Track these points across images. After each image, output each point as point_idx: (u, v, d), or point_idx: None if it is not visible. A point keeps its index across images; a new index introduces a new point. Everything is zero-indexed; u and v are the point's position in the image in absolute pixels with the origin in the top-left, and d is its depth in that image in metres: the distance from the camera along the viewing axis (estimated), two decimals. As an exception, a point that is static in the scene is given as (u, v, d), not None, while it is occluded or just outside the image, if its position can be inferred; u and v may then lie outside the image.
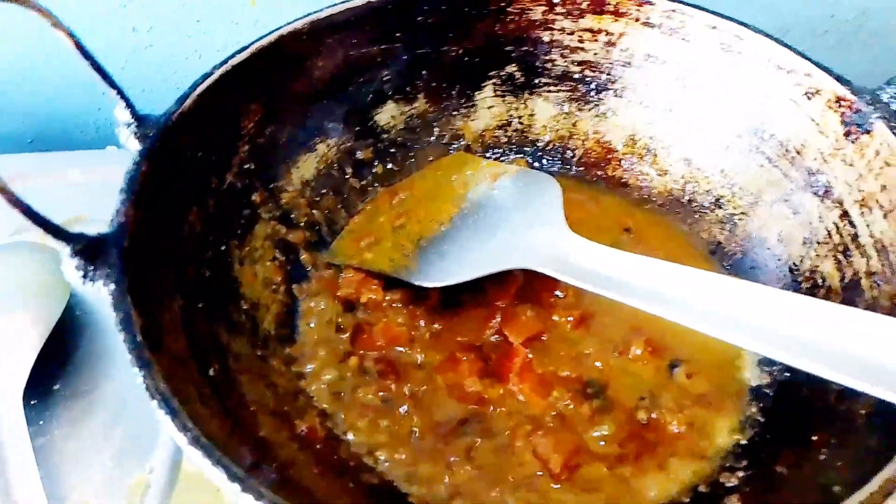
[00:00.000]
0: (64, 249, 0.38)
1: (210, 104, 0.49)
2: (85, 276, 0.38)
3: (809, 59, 0.53)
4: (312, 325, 0.53)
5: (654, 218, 0.61)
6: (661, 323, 0.48)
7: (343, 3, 0.56)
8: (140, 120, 0.45)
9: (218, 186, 0.50)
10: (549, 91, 0.63)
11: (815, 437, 0.42)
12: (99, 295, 0.39)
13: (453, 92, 0.63)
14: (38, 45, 0.73)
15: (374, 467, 0.45)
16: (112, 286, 0.38)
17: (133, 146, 0.45)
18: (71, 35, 0.42)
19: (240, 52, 0.51)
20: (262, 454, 0.39)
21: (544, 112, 0.64)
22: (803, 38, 0.81)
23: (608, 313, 0.53)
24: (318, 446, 0.45)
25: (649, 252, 0.56)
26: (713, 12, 0.56)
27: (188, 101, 0.48)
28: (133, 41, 0.73)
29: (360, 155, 0.60)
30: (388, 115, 0.61)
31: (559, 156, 0.64)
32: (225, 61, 0.51)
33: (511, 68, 0.62)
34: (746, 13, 0.76)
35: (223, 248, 0.50)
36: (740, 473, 0.44)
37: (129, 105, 0.45)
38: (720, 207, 0.58)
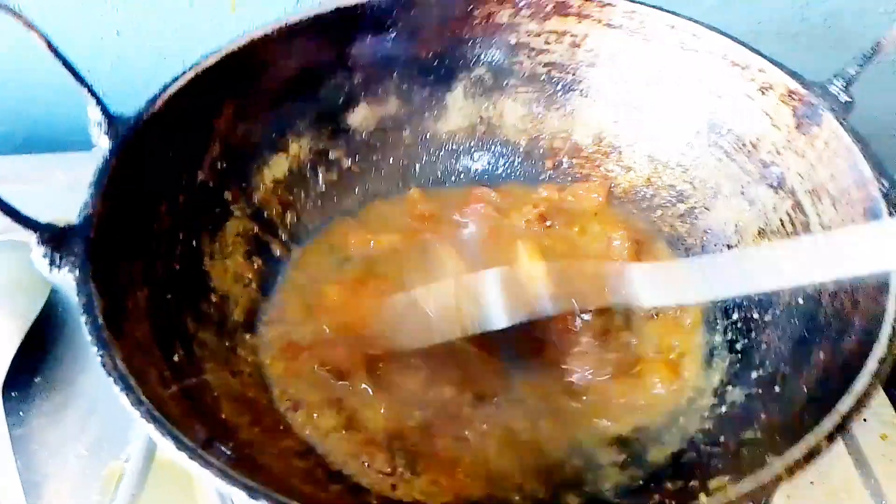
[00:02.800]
0: (32, 238, 0.40)
1: (181, 105, 0.51)
2: (52, 264, 0.40)
3: (763, 55, 0.54)
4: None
5: (617, 213, 0.62)
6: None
7: (313, 8, 0.58)
8: (111, 119, 0.47)
9: (189, 184, 0.52)
10: (518, 92, 0.65)
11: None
12: (65, 282, 0.41)
13: (424, 94, 0.64)
14: (26, 49, 0.75)
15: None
16: (77, 272, 0.40)
17: (104, 144, 0.47)
18: (42, 36, 0.45)
19: (212, 54, 0.53)
20: (221, 434, 0.41)
21: (513, 112, 0.66)
22: (775, 39, 0.82)
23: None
24: (279, 430, 0.46)
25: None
26: (672, 12, 0.58)
27: (158, 102, 0.49)
28: (117, 43, 0.75)
29: (332, 155, 0.62)
30: (360, 116, 0.63)
31: (527, 154, 0.66)
32: (196, 63, 0.52)
33: (480, 70, 0.64)
34: (719, 16, 0.78)
35: (194, 243, 0.52)
36: None
37: (100, 103, 0.47)
38: (682, 201, 0.60)
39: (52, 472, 0.52)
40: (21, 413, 0.55)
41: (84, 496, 0.51)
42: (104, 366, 0.36)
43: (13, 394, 0.55)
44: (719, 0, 0.78)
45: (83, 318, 0.38)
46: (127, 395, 0.35)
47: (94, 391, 0.57)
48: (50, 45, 0.45)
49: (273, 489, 0.34)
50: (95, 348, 0.37)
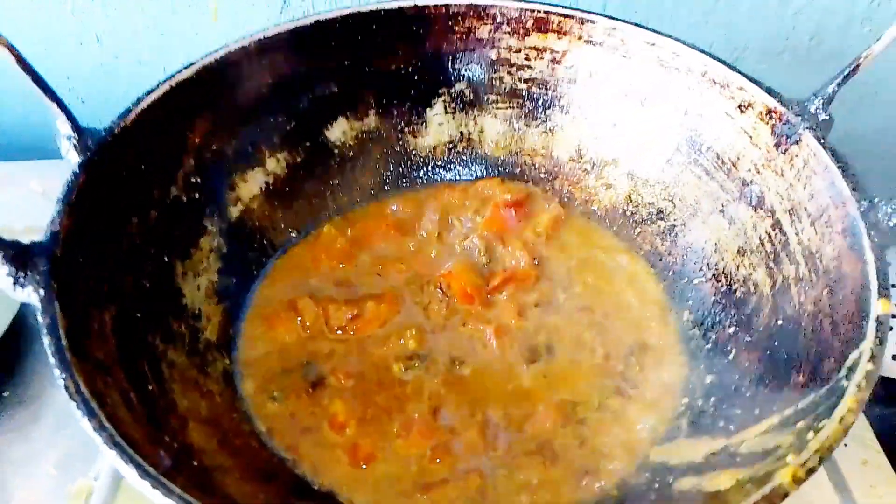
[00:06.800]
0: (-6, 256, 0.39)
1: (154, 118, 0.50)
2: (16, 283, 0.39)
3: (742, 73, 0.54)
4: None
5: (599, 230, 0.62)
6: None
7: (292, 21, 0.57)
8: (81, 132, 0.46)
9: (161, 199, 0.51)
10: (498, 108, 0.65)
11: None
12: (30, 301, 0.40)
13: (404, 108, 0.64)
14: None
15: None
16: (41, 292, 0.39)
17: (73, 158, 0.46)
18: (11, 48, 0.44)
19: (186, 67, 0.53)
20: (185, 459, 0.40)
21: (493, 128, 0.65)
22: (761, 57, 0.83)
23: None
24: (249, 451, 0.45)
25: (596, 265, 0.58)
26: (652, 30, 0.58)
27: (130, 116, 0.49)
28: (97, 51, 0.74)
29: (309, 170, 0.61)
30: (339, 130, 0.62)
31: (508, 170, 0.65)
32: (170, 77, 0.52)
33: (460, 86, 0.64)
34: (704, 34, 0.78)
35: (165, 259, 0.51)
36: None
37: (70, 118, 0.46)
38: (662, 219, 0.59)
39: (19, 489, 0.51)
40: (-12, 428, 0.54)
41: (52, 514, 0.50)
42: (66, 389, 0.35)
43: (-20, 409, 0.54)
44: (704, 18, 0.78)
45: (46, 340, 0.37)
46: (89, 419, 0.34)
47: (63, 407, 0.55)
48: (19, 59, 0.44)
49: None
50: (58, 371, 0.36)
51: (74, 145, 0.46)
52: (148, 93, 0.50)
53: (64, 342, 0.37)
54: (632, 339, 0.54)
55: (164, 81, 0.51)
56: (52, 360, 0.37)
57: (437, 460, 0.48)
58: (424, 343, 0.54)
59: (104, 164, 0.46)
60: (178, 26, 0.74)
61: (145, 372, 0.43)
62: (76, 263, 0.42)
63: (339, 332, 0.54)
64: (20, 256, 0.39)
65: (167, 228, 0.51)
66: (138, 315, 0.46)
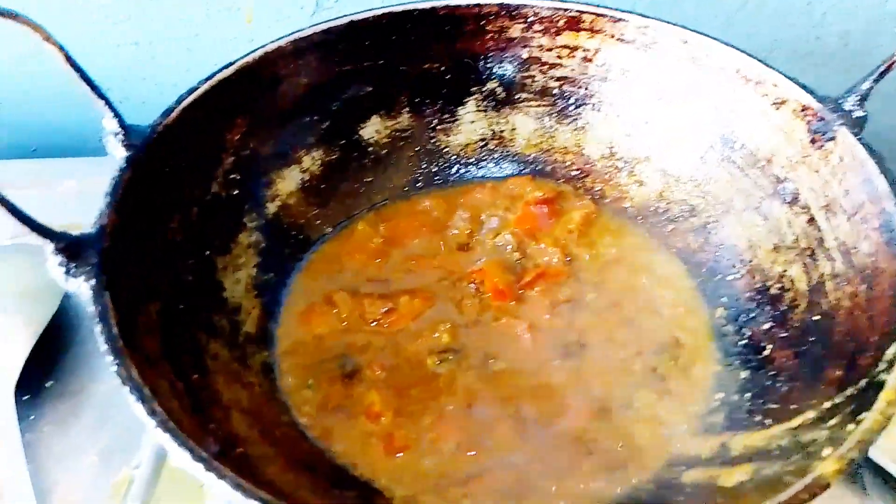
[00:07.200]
0: (48, 247, 0.40)
1: (195, 117, 0.51)
2: (67, 273, 0.41)
3: (776, 70, 0.54)
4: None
5: (631, 227, 0.62)
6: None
7: (326, 21, 0.58)
8: (127, 130, 0.48)
9: (202, 195, 0.52)
10: (530, 106, 0.65)
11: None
12: (81, 291, 0.41)
13: (436, 107, 0.65)
14: (41, 55, 0.76)
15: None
16: (92, 282, 0.40)
17: (120, 154, 0.47)
18: (61, 48, 0.45)
19: (225, 67, 0.54)
20: (230, 447, 0.41)
21: (525, 126, 0.66)
22: (790, 58, 0.82)
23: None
24: (290, 441, 0.46)
25: (628, 262, 0.58)
26: (684, 27, 0.58)
27: (173, 114, 0.50)
28: (134, 54, 0.76)
29: (344, 167, 0.62)
30: (372, 129, 0.63)
31: (539, 168, 0.66)
32: (211, 76, 0.53)
33: (492, 84, 0.65)
34: (732, 35, 0.78)
35: (206, 254, 0.52)
36: None
37: (117, 115, 0.48)
38: (694, 216, 0.59)
39: (62, 479, 0.52)
40: (32, 417, 0.55)
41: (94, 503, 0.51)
42: (119, 376, 0.36)
43: (24, 398, 0.55)
44: (729, 20, 0.78)
45: (98, 329, 0.38)
46: (142, 405, 0.35)
47: (105, 398, 0.57)
48: (68, 58, 0.46)
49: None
50: (111, 358, 0.37)
51: (121, 141, 0.47)
52: (189, 92, 0.52)
53: (115, 331, 0.38)
54: (664, 336, 0.54)
55: (205, 81, 0.53)
56: (103, 347, 0.38)
57: (472, 452, 0.48)
58: (458, 338, 0.54)
59: (148, 161, 0.47)
60: (213, 30, 0.76)
61: (190, 364, 0.44)
62: (123, 257, 0.43)
63: (373, 324, 0.55)
64: (71, 248, 0.41)
65: (208, 224, 0.52)
66: (182, 308, 0.47)
